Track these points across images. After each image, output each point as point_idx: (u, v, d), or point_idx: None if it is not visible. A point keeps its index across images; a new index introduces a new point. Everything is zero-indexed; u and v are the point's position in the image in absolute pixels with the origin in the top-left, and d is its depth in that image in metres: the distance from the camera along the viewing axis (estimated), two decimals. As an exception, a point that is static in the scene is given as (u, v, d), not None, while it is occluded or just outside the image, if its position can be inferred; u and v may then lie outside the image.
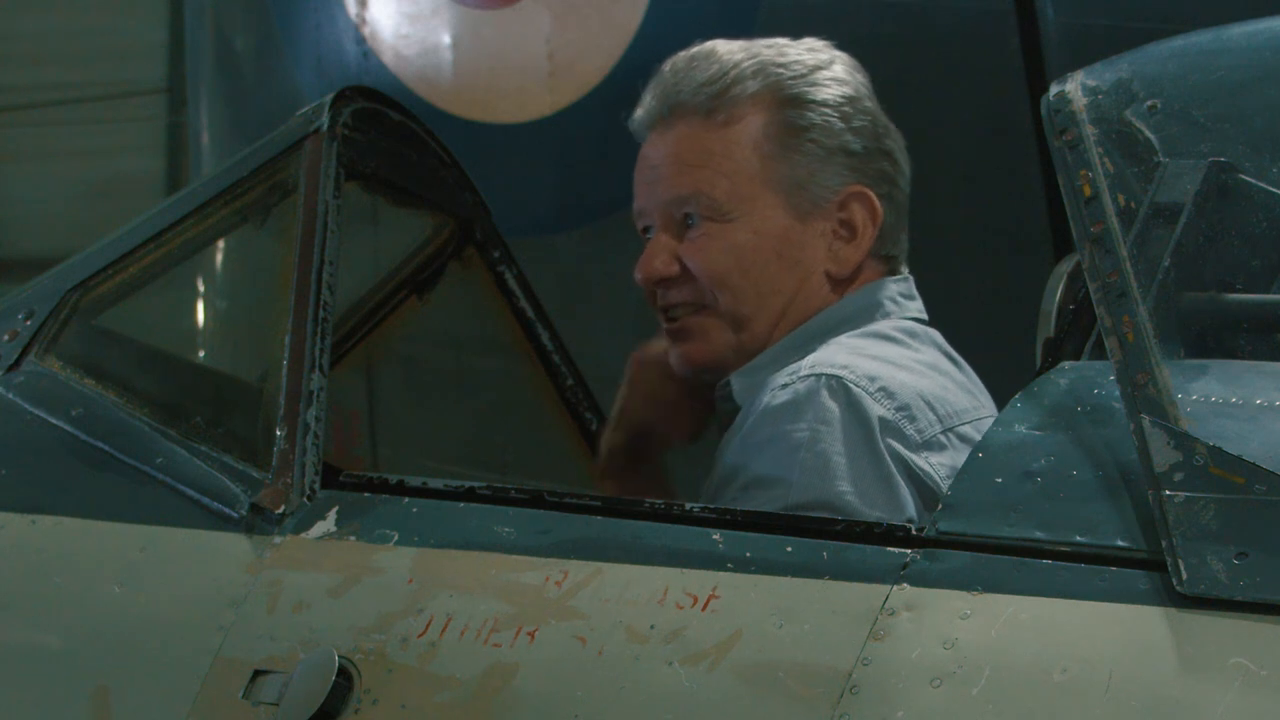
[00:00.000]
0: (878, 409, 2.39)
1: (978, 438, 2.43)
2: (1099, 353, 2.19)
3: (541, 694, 2.09)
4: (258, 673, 2.24)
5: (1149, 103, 2.21)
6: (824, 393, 2.39)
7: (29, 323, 2.69)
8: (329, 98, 2.65)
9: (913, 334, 2.57)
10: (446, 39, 4.39)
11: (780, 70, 2.57)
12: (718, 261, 2.55)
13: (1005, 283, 3.55)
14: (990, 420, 2.50)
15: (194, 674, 2.27)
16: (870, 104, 2.60)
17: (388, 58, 4.48)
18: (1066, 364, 2.21)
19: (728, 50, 2.61)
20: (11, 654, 2.41)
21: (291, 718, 2.17)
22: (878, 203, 2.56)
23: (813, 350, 2.50)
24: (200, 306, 4.59)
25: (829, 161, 2.55)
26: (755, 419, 2.45)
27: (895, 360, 2.48)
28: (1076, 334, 2.33)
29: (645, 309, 3.64)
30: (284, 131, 2.67)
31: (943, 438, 2.43)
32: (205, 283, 4.55)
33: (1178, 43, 2.32)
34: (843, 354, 2.46)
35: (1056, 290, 2.55)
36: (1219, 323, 2.18)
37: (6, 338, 2.69)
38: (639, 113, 2.65)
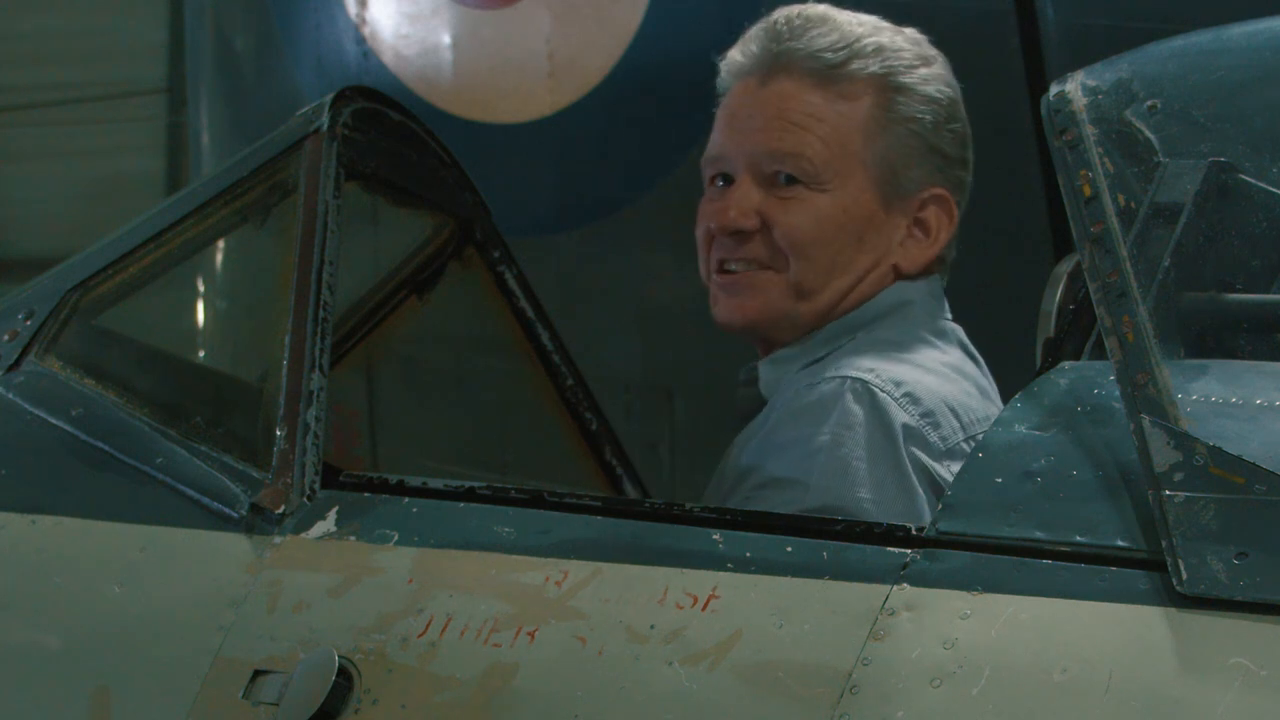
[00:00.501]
0: (902, 415, 2.38)
1: None
2: (1099, 353, 2.19)
3: (541, 694, 2.09)
4: (258, 673, 2.24)
5: (1149, 103, 2.21)
6: (849, 396, 2.38)
7: (29, 323, 2.69)
8: (329, 98, 2.65)
9: (941, 333, 2.56)
10: (446, 39, 4.39)
11: (895, 56, 2.56)
12: (804, 227, 2.53)
13: (1005, 283, 3.55)
14: None
15: (194, 674, 2.27)
16: (963, 113, 2.60)
17: (388, 58, 4.48)
18: (1066, 364, 2.21)
19: (846, 21, 2.58)
20: (11, 654, 2.41)
21: (291, 718, 2.17)
22: (955, 209, 2.57)
23: (844, 345, 2.49)
24: (200, 306, 4.59)
25: (923, 158, 2.55)
26: (777, 419, 2.44)
27: (923, 364, 2.47)
28: (1076, 334, 2.33)
29: (646, 309, 3.64)
30: (284, 131, 2.67)
31: (964, 445, 2.42)
32: (205, 283, 4.55)
33: (1178, 43, 2.32)
34: (870, 357, 2.45)
35: (1056, 290, 2.55)
36: (1219, 323, 2.18)
37: (6, 338, 2.69)
38: (737, 54, 2.61)
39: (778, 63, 2.56)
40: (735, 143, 2.58)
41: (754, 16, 2.67)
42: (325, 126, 2.62)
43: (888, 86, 2.55)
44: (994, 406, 2.52)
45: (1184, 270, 2.15)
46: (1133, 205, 2.15)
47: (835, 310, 2.55)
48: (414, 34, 4.44)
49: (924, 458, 2.39)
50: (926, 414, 2.40)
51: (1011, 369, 2.48)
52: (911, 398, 2.40)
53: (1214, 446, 1.92)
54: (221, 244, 3.13)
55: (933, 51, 2.61)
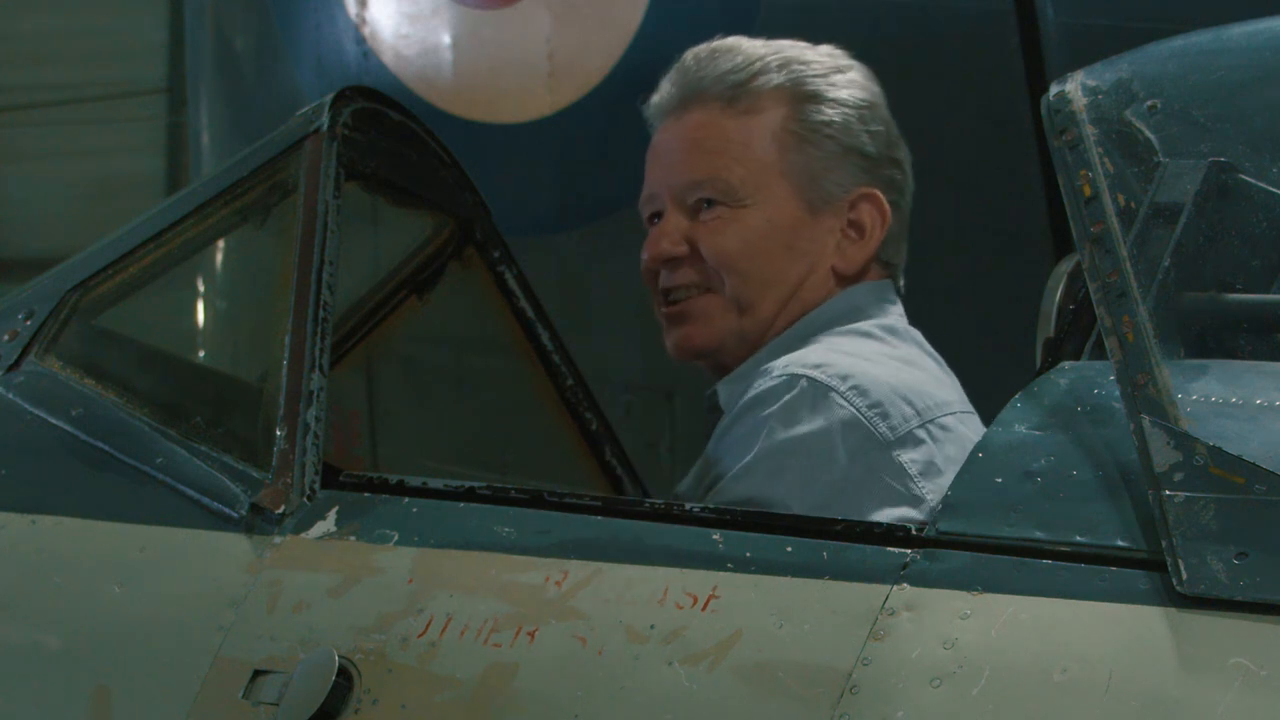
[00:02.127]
0: (844, 409, 2.39)
1: (964, 429, 2.44)
2: (1099, 353, 2.19)
3: (541, 694, 2.09)
4: (258, 673, 2.24)
5: (1149, 103, 2.21)
6: (794, 392, 2.41)
7: (29, 323, 2.69)
8: (329, 98, 2.65)
9: (893, 331, 2.58)
10: (446, 39, 4.39)
11: (803, 67, 2.62)
12: (729, 244, 2.58)
13: (1005, 283, 3.55)
14: (974, 416, 2.51)
15: (194, 674, 2.27)
16: (885, 113, 2.65)
17: (388, 58, 4.48)
18: (1066, 364, 2.21)
19: (751, 45, 2.65)
20: (11, 654, 2.41)
21: (291, 718, 2.17)
22: (887, 206, 2.59)
23: (795, 351, 2.51)
24: (200, 306, 4.59)
25: (844, 160, 2.59)
26: (730, 416, 2.47)
27: (871, 357, 2.49)
28: (1076, 334, 2.33)
29: (646, 309, 3.64)
30: (284, 131, 2.67)
31: (920, 432, 2.43)
32: (205, 283, 4.55)
33: (1178, 43, 2.32)
34: (818, 353, 2.48)
35: (1056, 290, 2.56)
36: (1219, 323, 2.18)
37: (6, 338, 2.69)
38: (656, 98, 2.69)
39: (689, 96, 2.64)
40: (659, 179, 2.66)
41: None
42: (325, 126, 2.62)
43: (796, 96, 2.60)
44: (958, 394, 2.53)
45: (1184, 270, 2.15)
46: (1133, 205, 2.15)
47: (779, 319, 2.60)
48: (414, 34, 4.44)
49: (869, 449, 2.39)
50: (874, 404, 2.41)
51: (1011, 369, 2.48)
52: (858, 390, 2.41)
53: (1214, 446, 1.92)
54: (221, 244, 3.13)
55: (847, 61, 2.66)
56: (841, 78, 2.62)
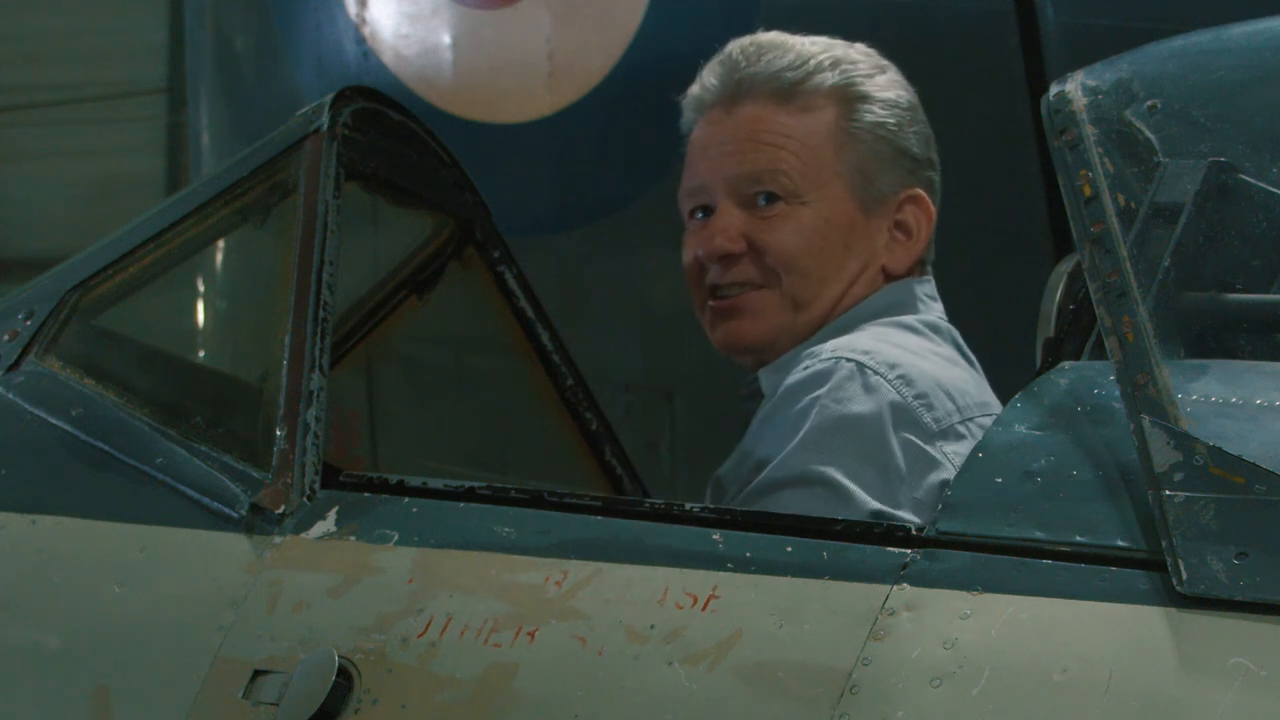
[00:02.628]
0: (893, 395, 2.40)
1: None
2: (1099, 353, 2.19)
3: (541, 694, 2.09)
4: (258, 673, 2.24)
5: (1149, 103, 2.21)
6: (841, 374, 2.41)
7: (29, 323, 2.69)
8: (329, 98, 2.65)
9: (935, 329, 2.59)
10: (446, 39, 4.39)
11: (851, 67, 2.62)
12: (790, 242, 2.58)
13: (1005, 283, 3.55)
14: None
15: (194, 674, 2.27)
16: (924, 115, 2.66)
17: (388, 58, 4.48)
18: (1066, 364, 2.21)
19: (799, 42, 2.65)
20: (11, 654, 2.41)
21: (291, 718, 2.17)
22: (932, 208, 2.63)
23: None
24: (200, 306, 4.59)
25: (893, 161, 2.61)
26: (775, 400, 2.47)
27: (916, 350, 2.50)
28: (1076, 334, 2.33)
29: (646, 309, 3.63)
30: (284, 131, 2.67)
31: (961, 428, 2.44)
32: (205, 283, 4.55)
33: (1178, 43, 2.32)
34: (865, 340, 2.48)
35: (1056, 290, 2.56)
36: (1219, 323, 2.18)
37: (6, 338, 2.69)
38: (696, 90, 2.67)
39: (740, 89, 2.62)
40: (711, 172, 2.63)
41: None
42: (325, 126, 2.62)
43: (850, 96, 2.60)
44: (991, 396, 2.54)
45: (1184, 270, 2.15)
46: (1133, 205, 2.15)
47: (830, 317, 2.60)
48: (414, 34, 4.44)
49: (914, 438, 2.39)
50: (920, 395, 2.42)
51: (1011, 369, 2.48)
52: (905, 379, 2.42)
53: (1214, 446, 1.92)
54: (221, 244, 3.13)
55: (885, 61, 2.67)
56: (884, 78, 2.64)
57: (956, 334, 2.63)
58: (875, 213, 2.60)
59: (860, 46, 2.67)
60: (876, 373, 2.41)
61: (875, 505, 2.34)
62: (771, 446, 2.44)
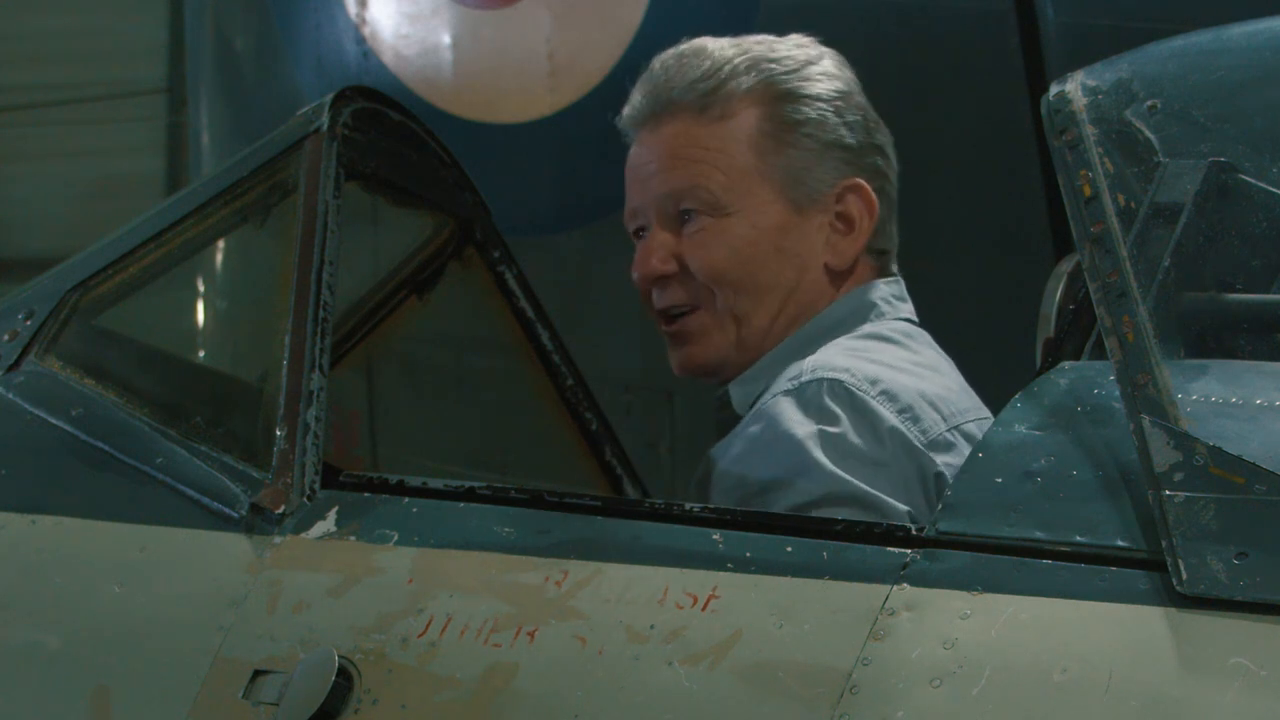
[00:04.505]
0: (879, 411, 2.39)
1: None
2: (1099, 353, 2.19)
3: (541, 694, 2.09)
4: (258, 673, 2.24)
5: (1149, 103, 2.21)
6: (826, 397, 2.39)
7: (29, 323, 2.69)
8: (329, 98, 2.65)
9: (909, 334, 2.57)
10: (446, 39, 4.39)
11: (773, 65, 2.58)
12: (717, 257, 2.55)
13: (1005, 283, 3.55)
14: (991, 420, 2.51)
15: (194, 674, 2.27)
16: (861, 99, 2.61)
17: (388, 58, 4.48)
18: (1066, 364, 2.21)
19: (718, 46, 2.61)
20: (11, 654, 2.41)
21: (291, 718, 2.17)
22: (873, 195, 2.57)
23: (810, 354, 2.49)
24: (200, 306, 4.59)
25: (824, 155, 2.56)
26: (760, 425, 2.44)
27: (894, 363, 2.48)
28: (1076, 334, 2.33)
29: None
30: (284, 131, 2.67)
31: (949, 436, 2.43)
32: (205, 283, 4.55)
33: (1178, 43, 2.32)
34: (842, 357, 2.46)
35: (1056, 290, 2.56)
36: (1219, 323, 2.18)
37: (6, 338, 2.69)
38: (627, 111, 2.65)
39: (660, 107, 2.60)
40: (640, 194, 2.62)
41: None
42: (325, 126, 2.62)
43: (769, 97, 2.57)
44: (973, 400, 2.53)
45: (1184, 270, 2.15)
46: (1133, 205, 2.15)
47: (776, 323, 2.57)
48: (414, 34, 4.44)
49: (911, 453, 2.39)
50: (904, 409, 2.41)
51: (1011, 369, 2.48)
52: (888, 395, 2.41)
53: (1214, 446, 1.92)
54: (221, 244, 3.13)
55: (817, 50, 2.63)
56: (814, 69, 2.59)
57: (928, 337, 2.60)
58: (810, 210, 2.56)
59: (792, 39, 2.62)
60: (860, 390, 2.39)
61: (904, 507, 2.33)
62: (767, 470, 2.41)
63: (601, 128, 4.25)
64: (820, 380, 2.40)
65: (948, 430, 2.43)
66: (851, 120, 2.58)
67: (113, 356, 2.73)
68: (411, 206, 2.93)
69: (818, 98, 2.56)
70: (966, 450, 2.42)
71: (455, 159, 2.91)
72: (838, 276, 2.58)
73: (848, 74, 2.62)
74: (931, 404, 2.44)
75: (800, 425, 2.39)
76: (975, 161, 3.69)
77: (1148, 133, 2.20)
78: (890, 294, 2.59)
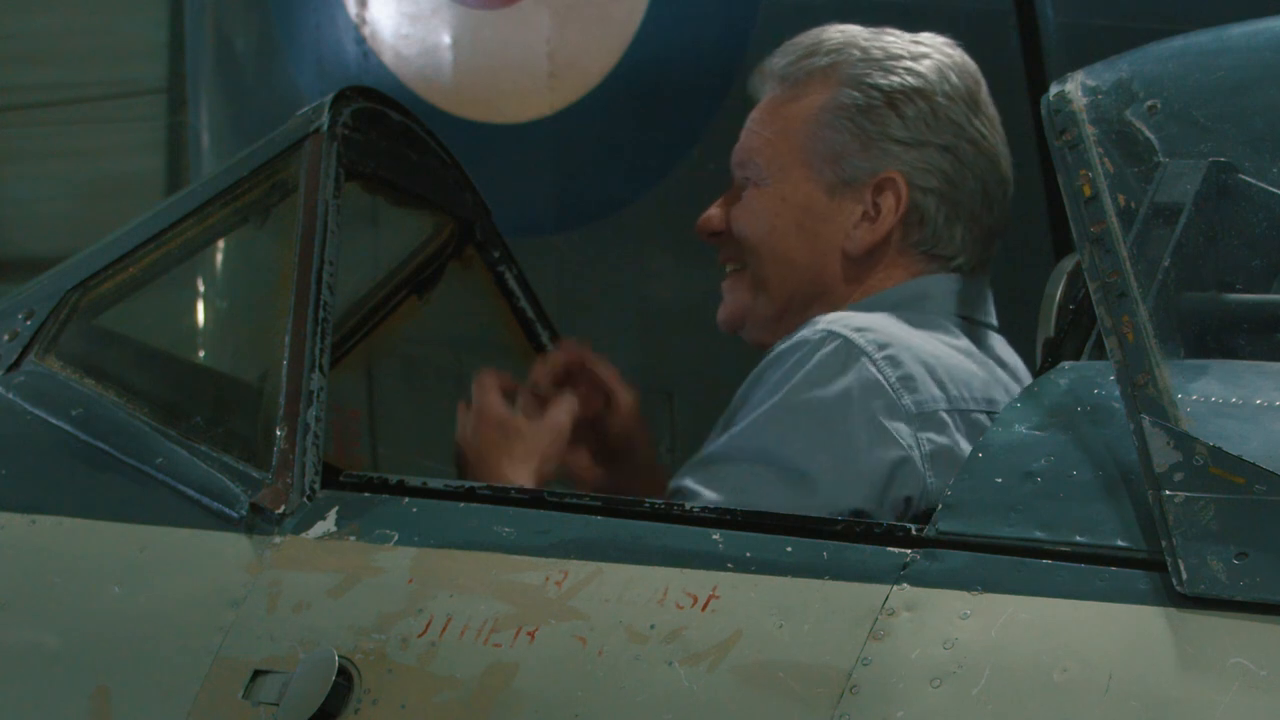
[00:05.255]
0: (872, 373, 2.39)
1: None
2: (1099, 353, 2.19)
3: (541, 694, 2.09)
4: (258, 673, 2.24)
5: (1149, 103, 2.21)
6: (824, 350, 2.41)
7: (29, 323, 2.69)
8: (329, 98, 2.65)
9: (956, 325, 2.57)
10: (446, 39, 4.38)
11: (855, 52, 2.63)
12: (747, 223, 2.63)
13: (1005, 283, 3.55)
14: None
15: (194, 674, 2.27)
16: (942, 100, 2.60)
17: (388, 58, 4.47)
18: (1066, 364, 2.21)
19: (835, 31, 2.68)
20: (11, 654, 2.41)
21: (291, 718, 2.17)
22: (906, 191, 2.57)
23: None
24: (200, 306, 4.58)
25: (870, 144, 2.59)
26: (764, 361, 2.49)
27: (920, 339, 2.48)
28: (1076, 334, 2.33)
29: (646, 309, 3.64)
30: (284, 131, 2.67)
31: (945, 416, 2.42)
32: (205, 283, 4.54)
33: (1178, 43, 2.32)
34: (865, 318, 2.47)
35: (1056, 290, 2.55)
36: (1219, 323, 2.18)
37: (6, 338, 2.69)
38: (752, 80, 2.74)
39: (764, 78, 2.69)
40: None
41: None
42: (325, 126, 2.62)
43: (836, 80, 2.61)
44: (1005, 396, 2.51)
45: (1184, 270, 2.15)
46: (1133, 205, 2.15)
47: (792, 299, 2.61)
48: (414, 34, 4.44)
49: (886, 419, 2.39)
50: (904, 377, 2.41)
51: (1011, 369, 2.48)
52: (892, 360, 2.41)
53: (1214, 446, 1.92)
54: (221, 244, 3.13)
55: (928, 49, 2.64)
56: (898, 64, 2.61)
57: (993, 337, 2.61)
58: (843, 196, 2.59)
59: (926, 36, 2.67)
60: (863, 351, 2.40)
61: (820, 499, 2.34)
62: (742, 409, 2.46)
63: (601, 128, 4.25)
64: (828, 332, 2.42)
65: (945, 409, 2.43)
66: (911, 115, 2.59)
67: (113, 356, 2.73)
68: (411, 206, 2.93)
69: (878, 88, 2.60)
70: (961, 435, 2.42)
71: (455, 159, 2.91)
72: (856, 264, 2.59)
73: (949, 78, 2.62)
74: (939, 381, 2.44)
75: (779, 369, 2.42)
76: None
77: (1148, 133, 2.20)
78: (950, 290, 2.59)
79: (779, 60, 2.66)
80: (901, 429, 2.39)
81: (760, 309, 2.63)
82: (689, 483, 2.43)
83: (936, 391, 2.43)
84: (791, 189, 2.60)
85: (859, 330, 2.43)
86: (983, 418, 2.46)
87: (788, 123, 2.62)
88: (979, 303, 2.63)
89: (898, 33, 2.67)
